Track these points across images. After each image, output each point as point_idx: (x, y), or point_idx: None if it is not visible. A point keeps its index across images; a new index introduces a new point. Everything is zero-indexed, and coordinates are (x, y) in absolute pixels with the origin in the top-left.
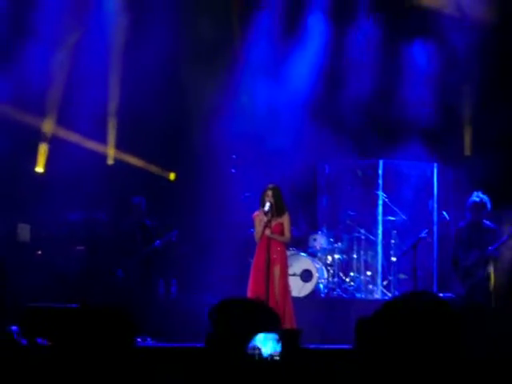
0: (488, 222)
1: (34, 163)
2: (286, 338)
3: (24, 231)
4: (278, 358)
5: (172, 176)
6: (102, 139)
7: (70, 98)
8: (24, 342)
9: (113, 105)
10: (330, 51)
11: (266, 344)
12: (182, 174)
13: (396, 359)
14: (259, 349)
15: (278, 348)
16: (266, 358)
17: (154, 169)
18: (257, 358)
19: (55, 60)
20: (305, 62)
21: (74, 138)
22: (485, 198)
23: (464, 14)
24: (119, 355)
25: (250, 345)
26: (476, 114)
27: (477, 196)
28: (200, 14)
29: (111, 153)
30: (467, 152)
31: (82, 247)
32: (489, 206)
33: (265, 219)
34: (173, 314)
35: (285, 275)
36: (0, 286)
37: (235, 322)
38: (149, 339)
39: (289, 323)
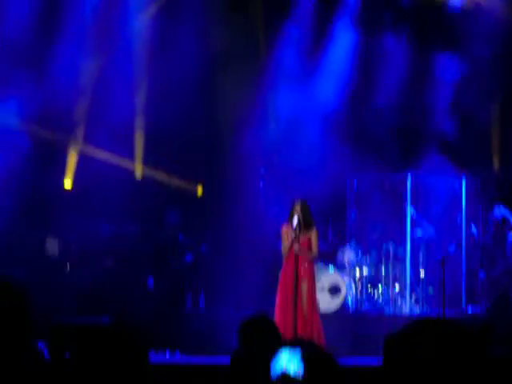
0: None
1: (62, 179)
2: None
3: (52, 245)
4: (300, 379)
5: (200, 190)
6: (130, 154)
7: (96, 113)
8: (48, 357)
9: (139, 119)
10: (357, 62)
11: (290, 363)
12: (210, 187)
13: (424, 380)
14: (284, 372)
15: (301, 368)
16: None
17: (181, 183)
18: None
19: (82, 73)
20: (332, 72)
21: (100, 154)
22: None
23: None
24: (131, 371)
25: (275, 367)
26: (503, 126)
27: (498, 210)
28: (227, 23)
29: (139, 168)
30: (496, 165)
31: (111, 261)
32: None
33: (293, 234)
34: (200, 328)
35: (313, 290)
36: (23, 307)
37: (258, 342)
38: (177, 352)
39: (317, 339)
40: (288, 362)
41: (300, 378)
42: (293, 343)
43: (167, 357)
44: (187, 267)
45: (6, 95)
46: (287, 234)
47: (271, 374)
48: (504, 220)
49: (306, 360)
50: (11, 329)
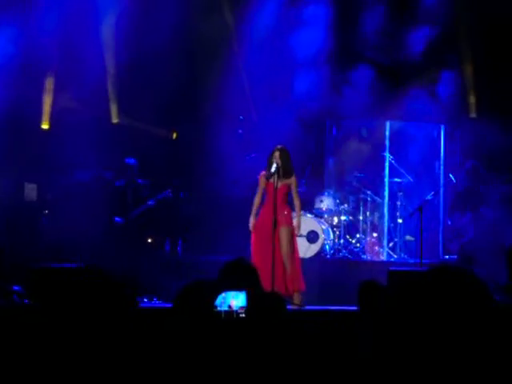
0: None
1: (39, 119)
2: (256, 297)
3: (30, 191)
4: (243, 314)
5: (175, 136)
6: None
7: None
8: (26, 302)
9: (112, 61)
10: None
11: (236, 300)
12: (190, 134)
13: (409, 323)
14: (229, 305)
15: (245, 302)
16: (233, 314)
17: (157, 129)
18: (223, 314)
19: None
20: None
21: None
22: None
23: None
24: (121, 316)
25: (219, 301)
26: (480, 77)
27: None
28: None
29: (114, 112)
30: (472, 114)
31: (85, 207)
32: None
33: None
34: (179, 274)
35: (292, 236)
36: None
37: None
38: (155, 299)
39: (297, 283)
40: (234, 297)
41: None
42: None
43: (145, 303)
44: (151, 212)
45: None
46: (264, 181)
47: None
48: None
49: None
50: None
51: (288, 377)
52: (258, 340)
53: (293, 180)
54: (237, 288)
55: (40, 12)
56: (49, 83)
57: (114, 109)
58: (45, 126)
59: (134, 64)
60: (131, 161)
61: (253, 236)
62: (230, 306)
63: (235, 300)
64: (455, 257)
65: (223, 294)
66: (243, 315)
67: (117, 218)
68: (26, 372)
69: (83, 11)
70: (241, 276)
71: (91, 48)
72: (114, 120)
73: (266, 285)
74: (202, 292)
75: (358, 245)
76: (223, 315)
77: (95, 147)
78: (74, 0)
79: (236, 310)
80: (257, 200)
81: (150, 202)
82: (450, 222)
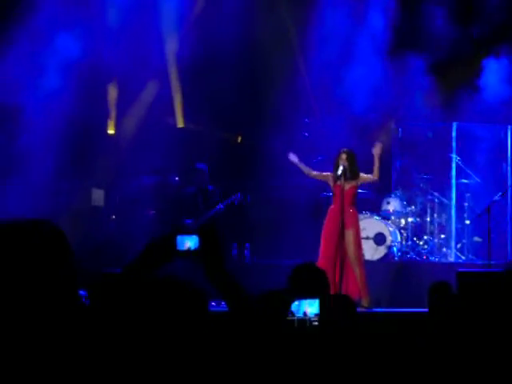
0: None
1: (105, 124)
2: (329, 303)
3: (98, 196)
4: (317, 322)
5: (240, 140)
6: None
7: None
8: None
9: (174, 62)
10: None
11: (311, 308)
12: (256, 137)
13: (474, 329)
14: (304, 312)
15: (318, 309)
16: (306, 322)
17: (221, 133)
18: (296, 322)
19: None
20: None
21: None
22: None
23: None
24: (191, 324)
25: (293, 308)
26: None
27: None
28: None
29: (180, 117)
30: None
31: (153, 211)
32: None
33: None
34: (246, 278)
35: (358, 239)
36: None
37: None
38: (223, 303)
39: (362, 287)
40: (309, 305)
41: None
42: None
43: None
44: (220, 216)
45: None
46: (328, 178)
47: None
48: None
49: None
50: (58, 275)
51: (359, 381)
52: (331, 348)
53: (360, 178)
54: (309, 295)
55: (104, 17)
56: (112, 88)
57: (179, 114)
58: (111, 131)
59: (197, 68)
60: (202, 166)
61: (322, 239)
62: (305, 314)
63: (310, 308)
64: None
65: (297, 302)
66: (316, 323)
67: (187, 221)
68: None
69: (148, 15)
70: (311, 281)
71: (155, 52)
72: (180, 125)
73: (334, 288)
74: (276, 300)
75: (426, 246)
76: (296, 323)
77: (161, 152)
78: (139, 5)
79: (310, 318)
80: (309, 170)
81: (219, 206)
82: None
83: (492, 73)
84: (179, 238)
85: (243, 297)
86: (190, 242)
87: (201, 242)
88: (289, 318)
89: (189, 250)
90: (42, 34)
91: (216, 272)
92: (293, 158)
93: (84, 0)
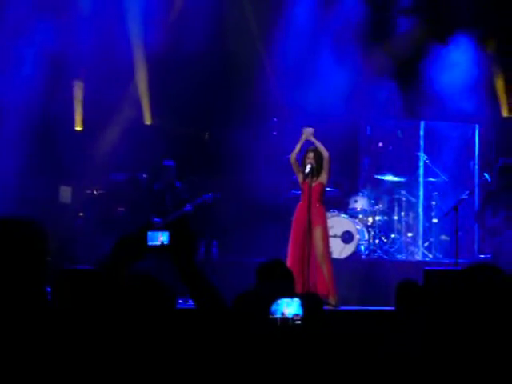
0: None
1: (72, 119)
2: (308, 303)
3: (66, 193)
4: (299, 321)
5: (206, 136)
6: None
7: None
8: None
9: (141, 59)
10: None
11: (289, 307)
12: (224, 135)
13: (443, 327)
14: (282, 312)
15: (300, 312)
16: (288, 321)
17: (190, 130)
18: (279, 321)
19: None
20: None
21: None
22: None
23: None
24: (159, 318)
25: (273, 308)
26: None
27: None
28: None
29: (147, 113)
30: (504, 113)
31: (122, 208)
32: None
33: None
34: (214, 275)
35: (326, 237)
36: (39, 250)
37: (273, 284)
38: (190, 301)
39: (329, 285)
40: (288, 307)
41: (299, 320)
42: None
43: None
44: (188, 217)
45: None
46: (299, 175)
47: (271, 315)
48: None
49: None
50: (28, 269)
51: (327, 377)
52: (312, 345)
53: (323, 171)
54: (285, 294)
55: (73, 10)
56: (78, 85)
57: (146, 110)
58: (78, 128)
59: (166, 65)
60: (169, 163)
61: (290, 236)
62: (283, 314)
63: (288, 308)
64: (490, 256)
65: (277, 302)
66: (299, 322)
67: (155, 219)
68: (55, 373)
69: (116, 10)
70: (277, 277)
71: (122, 49)
72: (147, 121)
73: (303, 285)
74: (254, 300)
75: (393, 245)
76: (279, 322)
77: (128, 149)
78: (105, 3)
79: (291, 317)
80: (295, 153)
81: (186, 208)
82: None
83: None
84: (150, 233)
85: (212, 292)
86: (162, 237)
87: (172, 236)
88: (270, 317)
89: (160, 245)
90: (11, 24)
91: (186, 267)
92: (307, 131)
93: None
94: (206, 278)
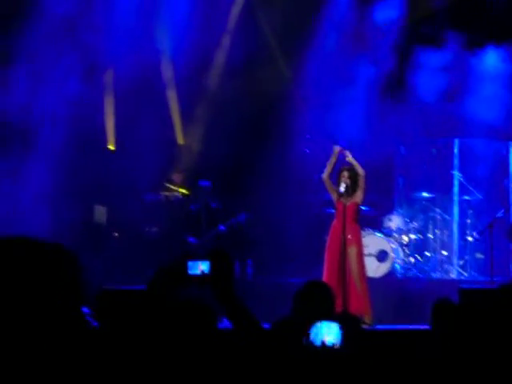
0: None
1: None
2: (347, 325)
3: (100, 213)
4: (338, 347)
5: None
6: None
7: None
8: (95, 324)
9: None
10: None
11: (329, 333)
12: (253, 154)
13: (479, 346)
14: (322, 340)
15: (339, 338)
16: (328, 348)
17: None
18: (319, 348)
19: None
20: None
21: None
22: None
23: None
24: (200, 341)
25: (312, 335)
26: None
27: None
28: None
29: (179, 133)
30: None
31: (155, 229)
32: None
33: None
34: (249, 295)
35: (361, 256)
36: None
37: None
38: (225, 320)
39: (364, 305)
40: (327, 333)
41: (338, 348)
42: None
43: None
44: (222, 237)
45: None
46: (333, 194)
47: (311, 342)
48: None
49: (344, 331)
50: (64, 294)
51: None
52: (353, 370)
53: (358, 190)
54: (323, 316)
55: (98, 30)
56: (109, 103)
57: (179, 130)
58: (111, 147)
59: (198, 85)
60: (205, 183)
61: (325, 255)
62: (323, 343)
63: (328, 336)
64: None
65: (316, 328)
66: (338, 349)
67: (191, 239)
68: None
69: (147, 31)
70: (319, 298)
71: (155, 67)
72: (180, 141)
73: (338, 305)
74: (293, 326)
75: (428, 263)
76: (318, 350)
77: (162, 168)
78: (139, 20)
79: (331, 346)
80: (328, 173)
81: (220, 228)
82: None
83: None
84: (190, 262)
85: (252, 322)
86: (203, 266)
87: (211, 266)
88: (311, 345)
89: (201, 274)
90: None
91: (226, 297)
92: (337, 149)
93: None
94: (244, 308)
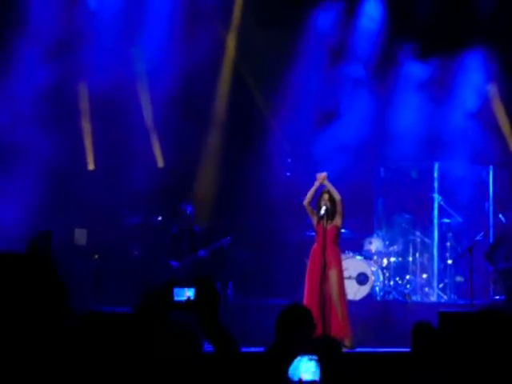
0: None
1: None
2: (326, 346)
3: (81, 235)
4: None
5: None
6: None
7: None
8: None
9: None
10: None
11: (306, 370)
12: (235, 176)
13: (459, 367)
14: (299, 378)
15: (317, 375)
16: None
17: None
18: None
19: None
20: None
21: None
22: None
23: None
24: (186, 365)
25: (291, 371)
26: None
27: None
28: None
29: (159, 156)
30: None
31: (137, 252)
32: None
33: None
34: (229, 317)
35: (341, 278)
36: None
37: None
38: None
39: (345, 327)
40: (305, 370)
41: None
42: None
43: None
44: (203, 261)
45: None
46: (313, 217)
47: (290, 378)
48: None
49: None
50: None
51: None
52: None
53: (337, 214)
54: (305, 347)
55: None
56: (86, 125)
57: (158, 153)
58: (90, 167)
59: (172, 110)
60: (187, 206)
61: (306, 278)
62: (300, 380)
63: (306, 373)
64: (504, 297)
65: (294, 364)
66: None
67: (172, 262)
68: None
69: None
70: (299, 322)
71: (133, 91)
72: (160, 164)
73: (319, 328)
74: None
75: (408, 286)
76: None
77: (142, 191)
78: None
79: (310, 382)
80: (310, 198)
81: (201, 253)
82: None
83: None
84: (176, 289)
85: (232, 347)
86: (189, 293)
87: (197, 293)
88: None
89: (186, 300)
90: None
91: (210, 322)
92: (321, 176)
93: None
94: (226, 333)
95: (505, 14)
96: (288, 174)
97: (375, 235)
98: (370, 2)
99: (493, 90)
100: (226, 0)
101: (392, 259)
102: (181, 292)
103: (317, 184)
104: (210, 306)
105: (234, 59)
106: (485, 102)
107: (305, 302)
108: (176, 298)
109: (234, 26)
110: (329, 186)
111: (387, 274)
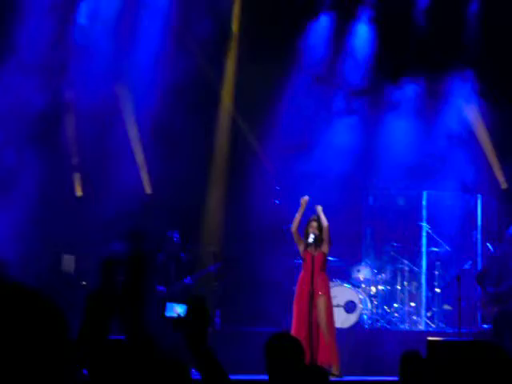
0: None
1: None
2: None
3: (68, 262)
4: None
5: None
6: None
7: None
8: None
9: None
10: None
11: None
12: (229, 205)
13: None
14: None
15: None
16: None
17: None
18: None
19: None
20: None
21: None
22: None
23: None
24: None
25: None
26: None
27: None
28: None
29: (146, 182)
30: (503, 185)
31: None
32: None
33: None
34: (217, 345)
35: (329, 306)
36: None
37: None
38: (193, 370)
39: (333, 355)
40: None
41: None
42: None
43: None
44: (189, 289)
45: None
46: (300, 245)
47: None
48: None
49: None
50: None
51: None
52: None
53: (323, 242)
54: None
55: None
56: (74, 150)
57: (145, 179)
58: (78, 194)
59: (160, 137)
60: (173, 234)
61: (294, 306)
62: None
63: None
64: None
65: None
66: None
67: (159, 287)
68: None
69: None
70: (287, 351)
71: (119, 123)
72: (148, 191)
73: (307, 356)
74: None
75: (396, 314)
76: None
77: (129, 218)
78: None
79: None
80: (296, 224)
81: (187, 280)
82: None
83: None
84: (168, 304)
85: (222, 376)
86: (179, 309)
87: (188, 310)
88: None
89: (176, 317)
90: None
91: (197, 343)
92: (305, 200)
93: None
94: (214, 359)
95: (490, 41)
96: (277, 201)
97: (363, 263)
98: (361, 28)
99: (477, 117)
100: (222, 33)
101: (380, 287)
102: (172, 308)
103: (301, 209)
104: (200, 325)
105: (221, 91)
106: (471, 130)
107: (292, 329)
108: (167, 314)
109: (230, 58)
110: (319, 211)
111: (375, 302)
